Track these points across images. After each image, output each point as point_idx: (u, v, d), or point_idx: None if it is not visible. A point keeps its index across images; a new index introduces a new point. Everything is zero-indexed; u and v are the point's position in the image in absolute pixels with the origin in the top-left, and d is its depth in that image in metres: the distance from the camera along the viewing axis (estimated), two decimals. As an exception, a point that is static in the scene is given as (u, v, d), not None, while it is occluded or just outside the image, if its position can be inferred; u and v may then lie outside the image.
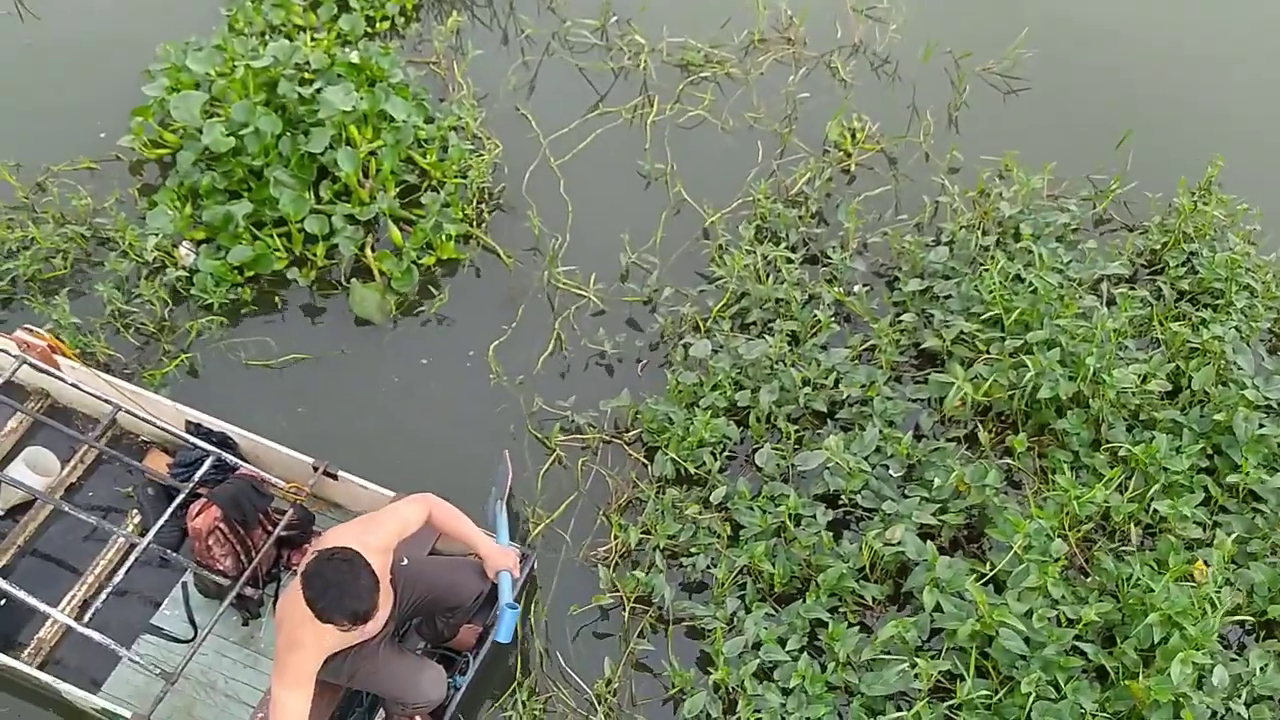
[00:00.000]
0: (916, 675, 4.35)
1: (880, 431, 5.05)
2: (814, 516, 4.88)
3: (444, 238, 5.88)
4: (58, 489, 4.99)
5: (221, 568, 4.51)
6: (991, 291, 5.38)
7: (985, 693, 4.28)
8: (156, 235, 5.74)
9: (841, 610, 4.73)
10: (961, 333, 5.39)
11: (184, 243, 5.85)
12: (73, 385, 4.94)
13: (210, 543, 4.44)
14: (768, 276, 5.77)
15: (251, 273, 5.81)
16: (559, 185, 6.29)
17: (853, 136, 6.48)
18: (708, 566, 4.87)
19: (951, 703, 4.33)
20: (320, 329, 5.73)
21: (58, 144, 6.33)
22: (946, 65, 6.92)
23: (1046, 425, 5.21)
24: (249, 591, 4.49)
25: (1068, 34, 7.09)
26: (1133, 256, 5.93)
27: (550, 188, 6.29)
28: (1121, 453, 4.97)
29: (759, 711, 4.41)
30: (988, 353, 5.31)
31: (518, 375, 5.56)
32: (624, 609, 4.85)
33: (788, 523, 4.85)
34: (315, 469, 4.78)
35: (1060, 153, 6.31)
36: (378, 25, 6.96)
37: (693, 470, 5.12)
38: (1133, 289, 5.69)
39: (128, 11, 7.03)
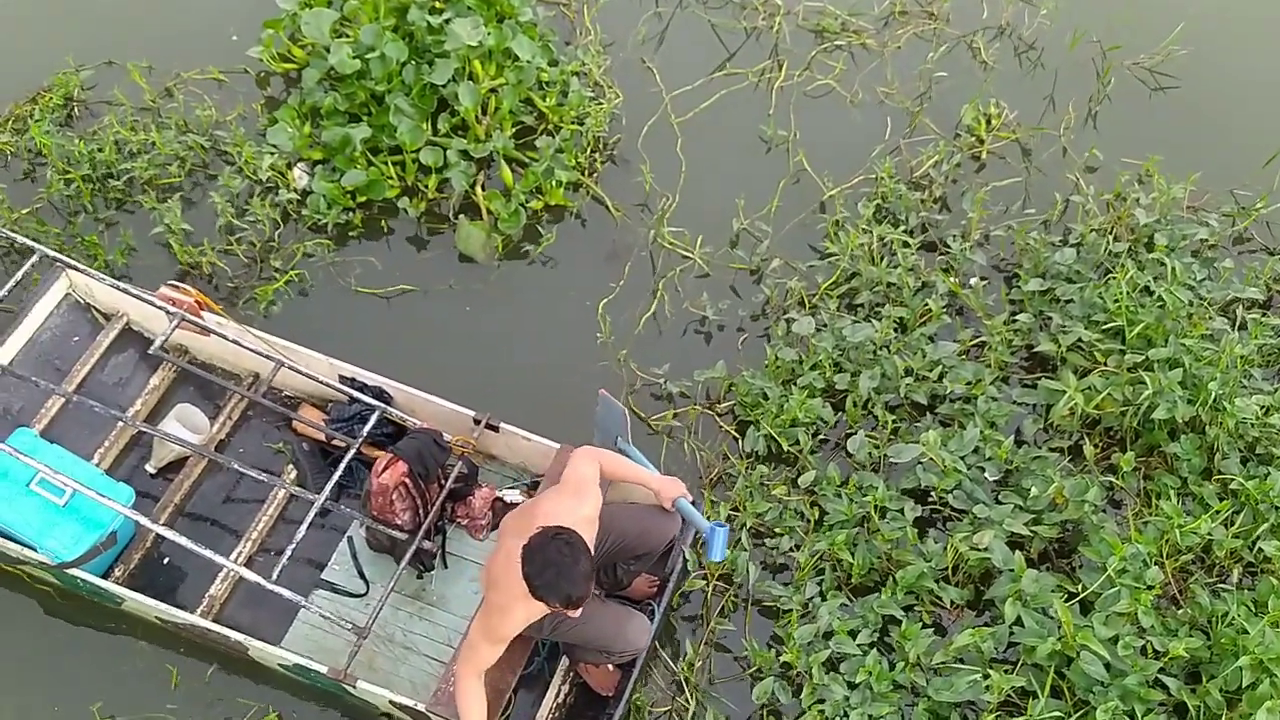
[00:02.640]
0: (988, 687, 4.23)
1: (981, 432, 4.88)
2: (901, 511, 4.76)
3: (554, 183, 5.82)
4: (210, 446, 4.86)
5: (400, 522, 4.50)
6: (1117, 301, 5.13)
7: (1057, 714, 4.14)
8: (273, 154, 5.78)
9: (917, 609, 4.62)
10: (1079, 340, 5.16)
11: (299, 164, 5.89)
12: (233, 341, 4.79)
13: (394, 497, 4.43)
14: (882, 258, 5.60)
15: (363, 198, 5.83)
16: (676, 143, 6.16)
17: (988, 122, 6.21)
18: (791, 549, 4.79)
19: (1020, 719, 4.21)
20: (423, 261, 5.73)
21: (189, 47, 6.39)
22: (1093, 55, 6.59)
23: (1157, 447, 4.99)
24: (426, 545, 4.45)
25: (1225, 33, 6.69)
26: (1269, 281, 5.60)
27: (666, 144, 6.17)
28: (1233, 485, 4.74)
29: (822, 702, 4.34)
30: (1104, 364, 5.09)
31: (616, 333, 5.49)
32: (706, 586, 4.78)
33: (873, 514, 4.74)
34: (476, 421, 4.72)
35: (1205, 161, 5.95)
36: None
37: (786, 447, 5.02)
38: (1265, 315, 5.39)
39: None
